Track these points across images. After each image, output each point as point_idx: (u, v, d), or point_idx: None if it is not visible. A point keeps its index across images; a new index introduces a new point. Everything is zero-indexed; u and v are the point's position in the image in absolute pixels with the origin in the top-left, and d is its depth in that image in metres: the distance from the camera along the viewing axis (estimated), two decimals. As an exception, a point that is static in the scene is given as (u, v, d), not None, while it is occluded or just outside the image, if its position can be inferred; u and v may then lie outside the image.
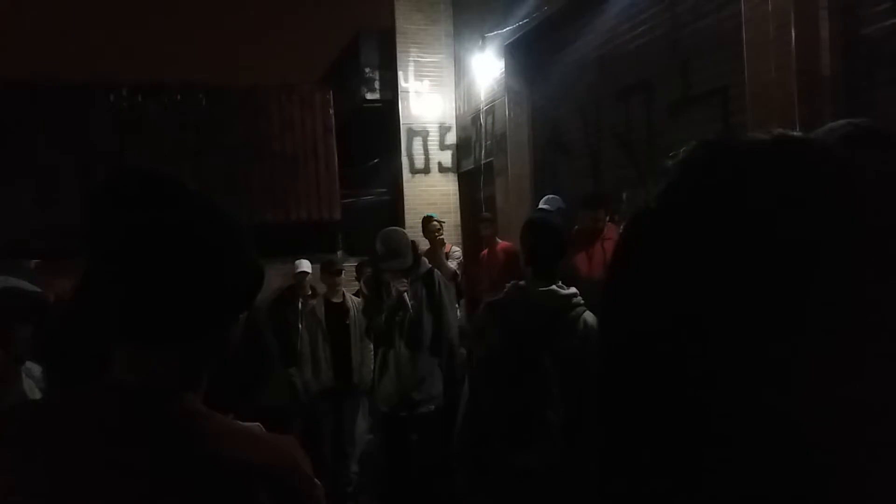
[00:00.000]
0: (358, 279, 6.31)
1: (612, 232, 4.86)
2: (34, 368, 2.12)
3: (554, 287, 2.76)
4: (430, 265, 4.24)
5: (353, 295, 5.77)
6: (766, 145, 0.44)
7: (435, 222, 6.35)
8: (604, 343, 0.49)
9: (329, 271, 5.56)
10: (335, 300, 5.44)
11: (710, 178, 0.45)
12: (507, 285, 2.89)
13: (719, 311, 0.41)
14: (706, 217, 0.43)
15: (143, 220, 0.84)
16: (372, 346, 5.17)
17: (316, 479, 0.96)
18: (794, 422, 0.39)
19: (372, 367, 5.17)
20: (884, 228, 0.40)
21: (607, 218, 4.93)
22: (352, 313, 5.36)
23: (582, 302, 2.79)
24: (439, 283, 4.12)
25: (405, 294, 3.91)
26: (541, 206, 5.77)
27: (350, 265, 6.71)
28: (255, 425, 1.50)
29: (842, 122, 0.75)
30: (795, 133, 0.45)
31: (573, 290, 2.81)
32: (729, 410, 0.41)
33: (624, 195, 5.21)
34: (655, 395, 0.44)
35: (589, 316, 2.77)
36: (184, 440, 0.84)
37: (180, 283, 0.84)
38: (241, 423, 0.92)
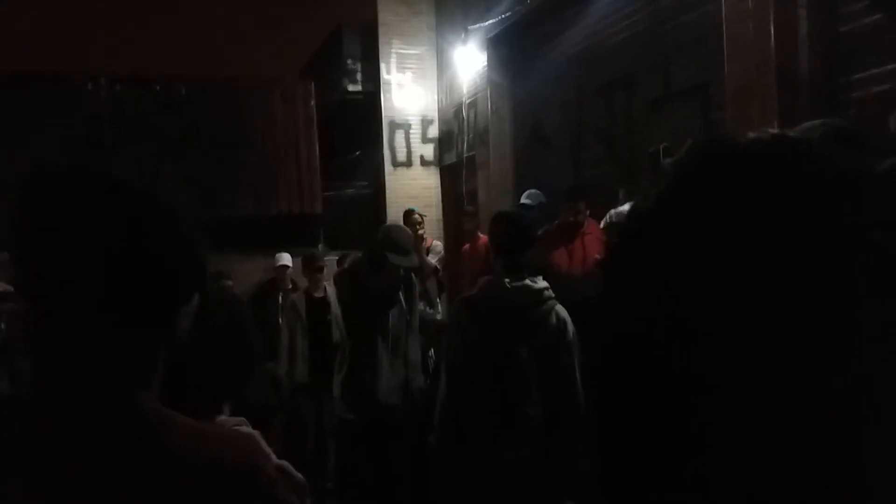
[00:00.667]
0: None
1: (592, 227, 4.87)
2: None
3: (527, 282, 2.77)
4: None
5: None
6: (760, 145, 0.45)
7: (416, 216, 6.33)
8: (597, 341, 0.49)
9: (311, 267, 5.50)
10: (317, 294, 5.39)
11: (703, 178, 0.45)
12: (480, 281, 2.90)
13: (709, 311, 0.41)
14: (698, 216, 0.43)
15: (79, 211, 0.83)
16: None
17: (298, 474, 0.95)
18: (791, 421, 0.39)
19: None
20: (870, 224, 0.41)
21: (587, 212, 4.93)
22: (333, 307, 5.31)
23: (553, 295, 2.81)
24: (415, 284, 4.09)
25: (400, 294, 3.85)
26: (522, 200, 5.78)
27: (332, 258, 6.67)
28: (241, 419, 1.49)
29: (817, 122, 0.75)
30: (790, 133, 0.46)
31: (545, 283, 2.83)
32: (721, 411, 0.41)
33: (620, 193, 5.20)
34: (647, 396, 0.44)
35: (560, 309, 2.79)
36: (142, 440, 0.83)
37: (117, 266, 0.83)
38: (196, 421, 0.91)
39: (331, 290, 5.46)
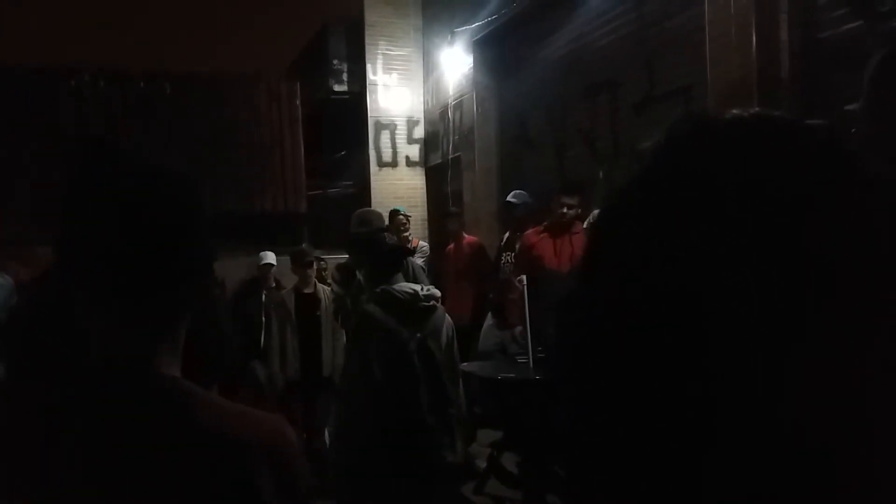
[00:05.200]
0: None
1: (579, 227, 4.92)
2: None
3: (416, 288, 2.85)
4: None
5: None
6: (744, 121, 0.44)
7: (401, 216, 6.33)
8: (580, 319, 0.47)
9: (300, 263, 5.43)
10: (306, 291, 5.35)
11: (686, 155, 0.44)
12: (372, 292, 2.93)
13: (693, 290, 0.39)
14: (682, 192, 0.42)
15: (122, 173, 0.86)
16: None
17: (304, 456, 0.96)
18: (789, 422, 0.37)
19: None
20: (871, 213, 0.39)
21: (579, 209, 4.97)
22: (323, 304, 5.27)
23: (438, 296, 2.92)
24: (414, 270, 4.12)
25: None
26: (508, 199, 5.81)
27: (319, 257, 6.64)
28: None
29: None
30: (774, 112, 0.45)
31: (428, 287, 2.96)
32: (711, 408, 0.39)
33: (600, 173, 5.18)
34: (625, 391, 0.43)
35: (442, 310, 2.92)
36: (175, 418, 0.82)
37: (150, 234, 0.85)
38: (226, 400, 0.91)
39: (321, 286, 5.44)
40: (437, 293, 2.92)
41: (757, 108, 0.45)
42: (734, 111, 0.45)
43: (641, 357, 0.41)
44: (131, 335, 0.85)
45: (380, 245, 2.95)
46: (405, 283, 2.87)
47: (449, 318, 2.98)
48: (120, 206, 0.84)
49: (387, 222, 4.97)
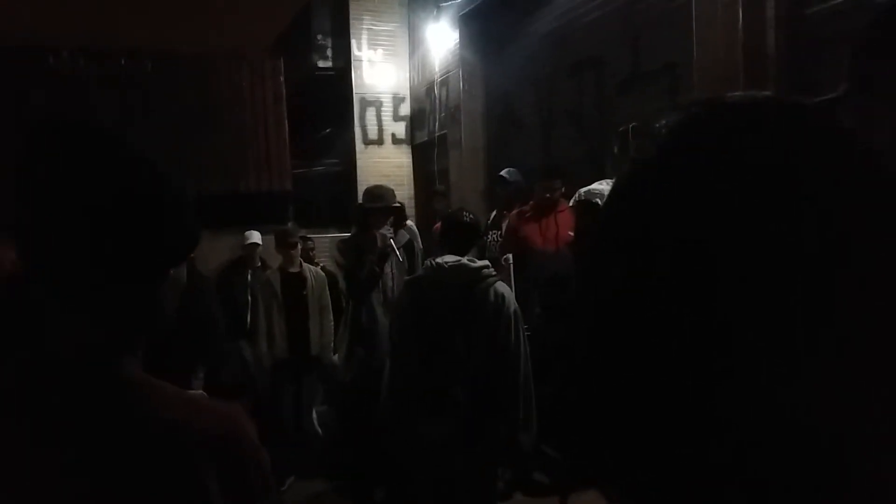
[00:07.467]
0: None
1: (564, 205, 4.91)
2: None
3: (464, 261, 2.84)
4: (409, 236, 4.29)
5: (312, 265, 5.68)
6: (762, 102, 0.44)
7: None
8: (581, 308, 0.47)
9: (285, 243, 5.37)
10: (292, 270, 5.32)
11: (703, 133, 0.43)
12: (425, 263, 3.03)
13: (702, 283, 0.39)
14: (700, 171, 0.41)
15: (75, 162, 0.83)
16: (331, 317, 5.16)
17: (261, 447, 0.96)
18: (801, 413, 0.37)
19: (333, 337, 5.14)
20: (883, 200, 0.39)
21: (563, 189, 4.96)
22: (309, 283, 5.25)
23: (492, 273, 2.88)
24: (418, 251, 4.16)
25: (391, 241, 3.87)
26: (502, 174, 5.77)
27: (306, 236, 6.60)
28: (199, 393, 1.49)
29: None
30: (789, 97, 0.45)
31: (484, 262, 2.93)
32: (719, 395, 0.39)
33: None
34: (626, 380, 0.42)
35: (500, 286, 2.87)
36: (123, 408, 0.82)
37: (110, 218, 0.83)
38: (182, 390, 0.90)
39: (307, 266, 5.42)
40: (473, 264, 2.83)
41: (767, 92, 0.46)
42: (747, 93, 0.45)
43: (658, 341, 0.40)
44: (87, 329, 0.84)
45: (450, 220, 3.08)
46: (446, 256, 2.85)
47: (502, 292, 2.84)
48: (81, 191, 0.82)
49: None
